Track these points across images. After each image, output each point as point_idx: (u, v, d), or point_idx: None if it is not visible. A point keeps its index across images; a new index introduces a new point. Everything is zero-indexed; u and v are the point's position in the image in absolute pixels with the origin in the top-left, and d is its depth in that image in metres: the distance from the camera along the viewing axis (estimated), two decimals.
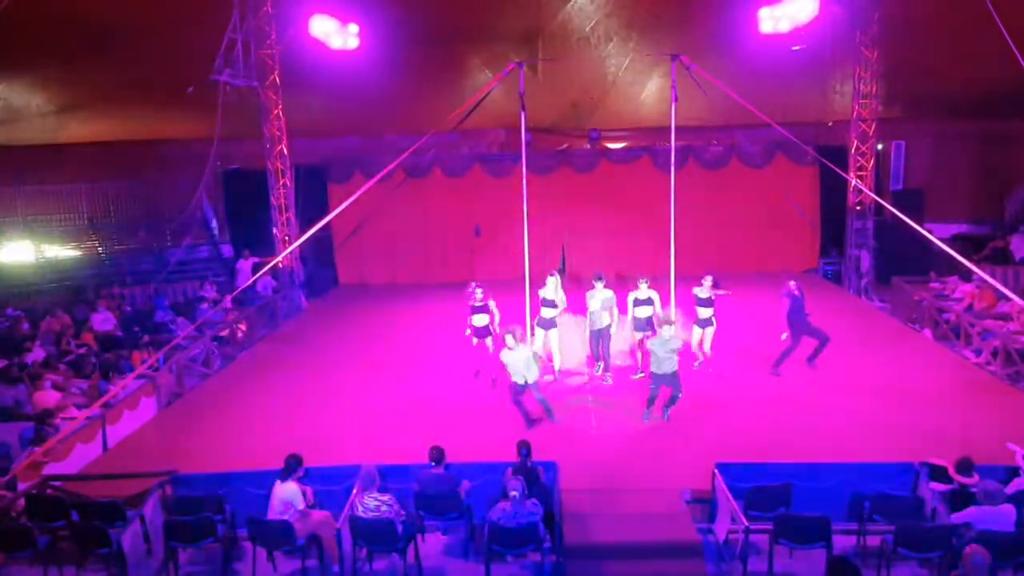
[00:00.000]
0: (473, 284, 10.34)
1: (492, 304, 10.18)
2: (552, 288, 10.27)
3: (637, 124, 17.59)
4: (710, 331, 10.58)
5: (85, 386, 10.47)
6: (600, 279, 10.17)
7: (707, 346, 10.70)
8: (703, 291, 10.41)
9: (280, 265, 15.24)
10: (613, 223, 16.69)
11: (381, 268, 17.60)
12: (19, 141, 16.37)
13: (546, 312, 10.24)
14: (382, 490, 6.68)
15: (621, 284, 10.85)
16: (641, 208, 15.85)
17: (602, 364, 10.44)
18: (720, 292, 10.55)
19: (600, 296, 10.09)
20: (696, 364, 10.66)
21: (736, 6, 14.37)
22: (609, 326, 10.22)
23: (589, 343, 10.48)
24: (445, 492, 6.90)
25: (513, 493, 6.40)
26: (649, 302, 10.16)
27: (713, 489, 7.05)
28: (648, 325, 10.03)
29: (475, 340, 10.24)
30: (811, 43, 14.41)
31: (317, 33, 14.26)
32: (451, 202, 17.08)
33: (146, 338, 12.26)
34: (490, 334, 10.13)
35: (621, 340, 10.80)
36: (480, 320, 10.12)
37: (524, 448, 7.02)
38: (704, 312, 10.48)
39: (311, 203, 16.13)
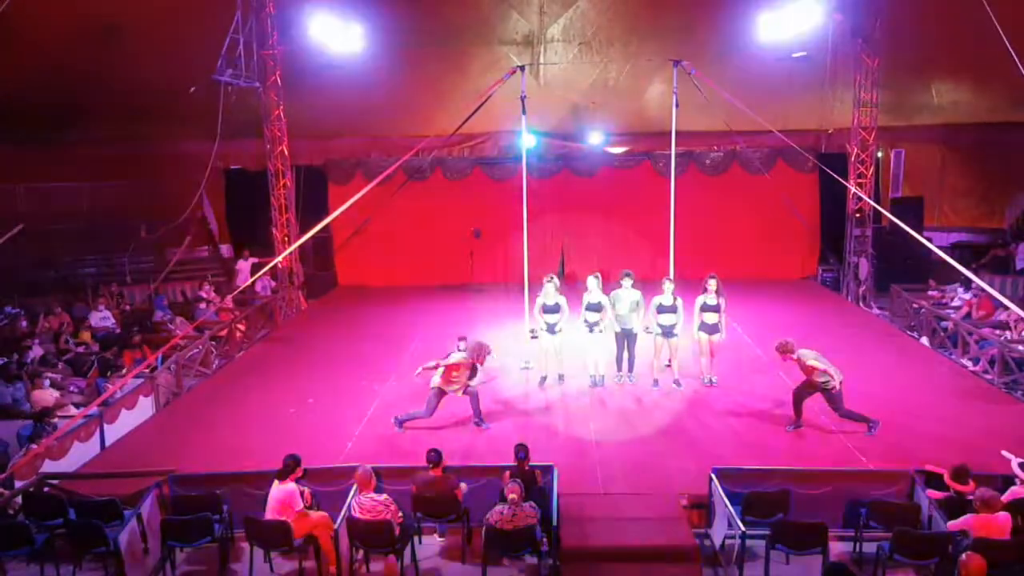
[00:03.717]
0: (552, 277, 10.17)
1: (564, 301, 10.07)
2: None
3: (638, 129, 17.60)
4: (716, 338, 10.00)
5: (83, 384, 10.51)
6: (628, 276, 9.94)
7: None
8: (710, 297, 9.92)
9: (280, 266, 15.24)
10: (613, 227, 16.73)
11: (381, 270, 17.59)
12: (19, 139, 16.36)
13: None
14: (379, 491, 6.68)
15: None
16: (641, 213, 15.89)
17: (627, 368, 10.27)
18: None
19: (629, 297, 9.90)
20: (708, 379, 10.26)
21: (738, 13, 14.38)
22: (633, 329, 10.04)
23: (617, 345, 10.21)
24: (442, 494, 6.90)
25: (511, 496, 6.40)
26: (673, 309, 9.88)
27: (710, 494, 7.05)
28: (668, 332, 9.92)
29: (547, 336, 10.13)
30: (812, 50, 14.46)
31: (319, 34, 14.27)
32: (451, 204, 17.08)
33: (136, 339, 12.09)
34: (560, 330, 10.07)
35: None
36: (552, 318, 10.02)
37: (522, 451, 7.03)
38: (709, 318, 9.97)
39: (311, 204, 16.15)
